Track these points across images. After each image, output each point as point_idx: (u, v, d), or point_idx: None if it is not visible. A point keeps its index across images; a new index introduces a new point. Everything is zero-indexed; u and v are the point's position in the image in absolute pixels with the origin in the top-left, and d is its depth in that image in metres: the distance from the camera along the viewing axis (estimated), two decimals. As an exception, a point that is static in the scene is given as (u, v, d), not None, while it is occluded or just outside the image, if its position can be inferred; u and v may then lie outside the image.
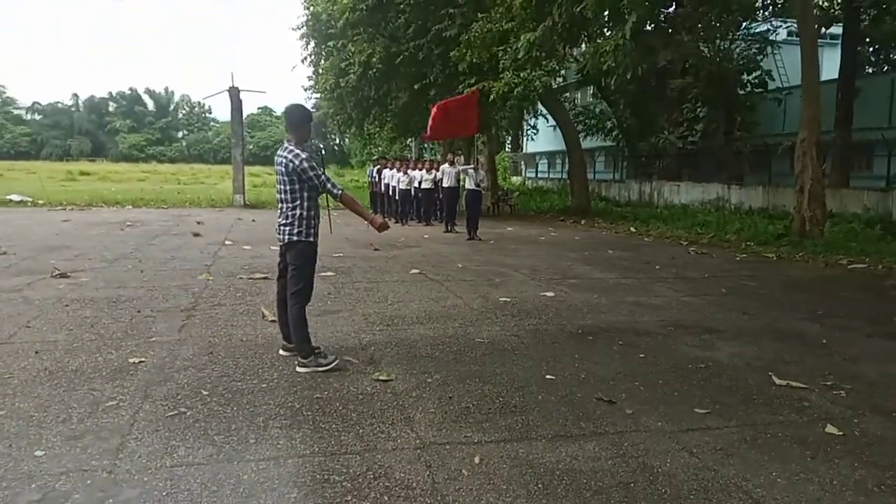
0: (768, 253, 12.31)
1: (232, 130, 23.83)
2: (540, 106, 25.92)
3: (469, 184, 14.42)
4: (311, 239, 4.78)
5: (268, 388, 4.29)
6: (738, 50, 24.56)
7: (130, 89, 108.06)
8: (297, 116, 4.84)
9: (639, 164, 29.56)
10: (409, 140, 37.07)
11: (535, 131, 34.89)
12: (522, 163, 46.08)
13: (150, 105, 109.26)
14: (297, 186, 4.67)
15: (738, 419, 3.98)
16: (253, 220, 16.97)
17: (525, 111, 26.88)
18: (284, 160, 4.65)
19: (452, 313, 6.70)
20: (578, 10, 12.48)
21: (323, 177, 4.71)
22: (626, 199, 27.57)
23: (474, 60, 16.55)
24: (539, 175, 41.99)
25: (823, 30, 22.61)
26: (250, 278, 8.39)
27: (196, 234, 13.34)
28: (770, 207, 19.90)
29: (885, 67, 24.15)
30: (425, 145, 38.66)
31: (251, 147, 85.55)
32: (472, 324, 6.26)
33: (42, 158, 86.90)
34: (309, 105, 32.84)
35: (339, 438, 3.55)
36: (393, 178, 18.23)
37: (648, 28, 16.54)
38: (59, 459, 3.20)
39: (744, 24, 23.58)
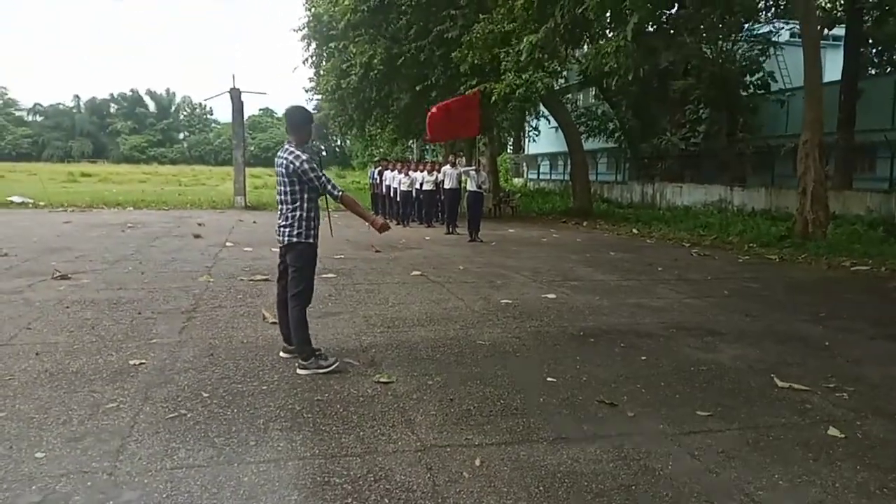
0: (771, 255, 12.29)
1: (233, 132, 23.85)
2: (542, 107, 25.91)
3: (470, 185, 14.41)
4: (311, 240, 4.77)
5: (268, 390, 4.29)
6: (740, 51, 24.56)
7: (132, 91, 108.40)
8: (297, 118, 4.83)
9: (641, 166, 29.53)
10: (411, 141, 37.07)
11: (536, 133, 34.86)
12: (524, 164, 46.05)
13: (152, 106, 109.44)
14: (297, 188, 4.67)
15: (740, 421, 3.96)
16: (254, 222, 16.98)
17: (527, 112, 26.86)
18: (285, 161, 4.65)
19: (453, 315, 6.69)
20: (580, 11, 12.48)
21: (323, 178, 4.70)
22: (628, 201, 27.54)
23: (476, 61, 16.55)
24: (541, 176, 41.95)
25: (826, 31, 22.56)
26: (251, 280, 8.38)
27: (197, 236, 13.35)
28: (773, 209, 19.88)
29: (888, 69, 24.18)
30: (427, 147, 38.67)
31: (252, 148, 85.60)
32: (474, 326, 6.25)
33: (43, 160, 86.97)
34: (310, 106, 33.02)
35: (339, 440, 3.54)
36: (394, 179, 18.24)
37: (651, 29, 16.54)
38: (59, 461, 3.20)
39: (746, 25, 23.58)
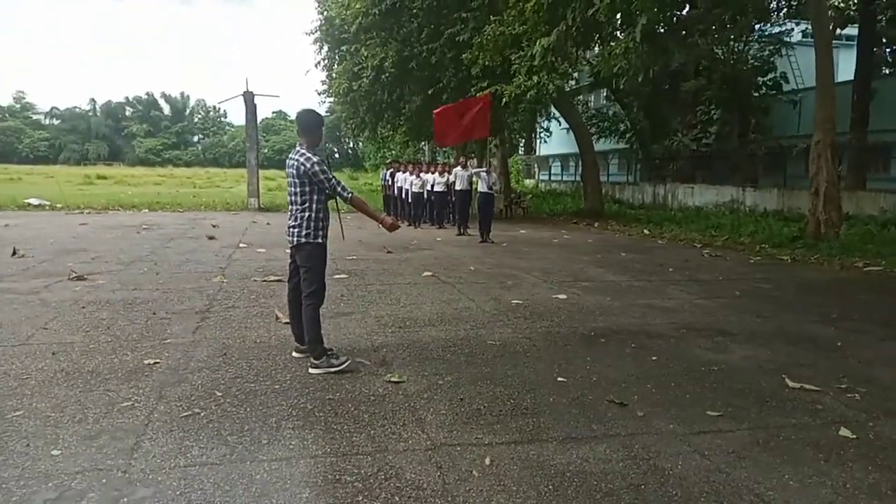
0: (783, 255, 12.22)
1: (247, 134, 23.98)
2: (553, 109, 25.88)
3: (481, 186, 14.43)
4: (320, 240, 4.83)
5: (280, 390, 4.33)
6: (752, 52, 24.43)
7: (147, 94, 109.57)
8: (308, 121, 4.89)
9: (652, 167, 29.43)
10: (423, 143, 37.13)
11: (548, 134, 34.84)
12: (535, 165, 46.02)
13: (167, 109, 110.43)
14: (307, 189, 4.73)
15: (750, 422, 3.96)
16: (267, 224, 17.06)
17: (538, 114, 26.85)
18: (296, 163, 4.71)
19: (464, 315, 6.71)
20: (591, 13, 12.48)
21: (333, 180, 4.76)
22: (639, 202, 27.46)
23: (487, 64, 16.58)
24: (552, 178, 41.92)
25: (839, 31, 22.39)
26: (264, 281, 8.44)
27: (211, 238, 13.45)
28: (785, 210, 19.76)
29: (902, 68, 23.92)
30: (438, 149, 38.70)
31: (266, 151, 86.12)
32: (484, 326, 6.27)
33: (60, 163, 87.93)
34: (323, 109, 33.14)
35: (350, 439, 3.57)
36: (406, 181, 18.28)
37: (661, 30, 16.50)
38: (75, 459, 3.25)
39: (758, 25, 23.45)
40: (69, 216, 18.45)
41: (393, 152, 38.60)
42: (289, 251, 5.07)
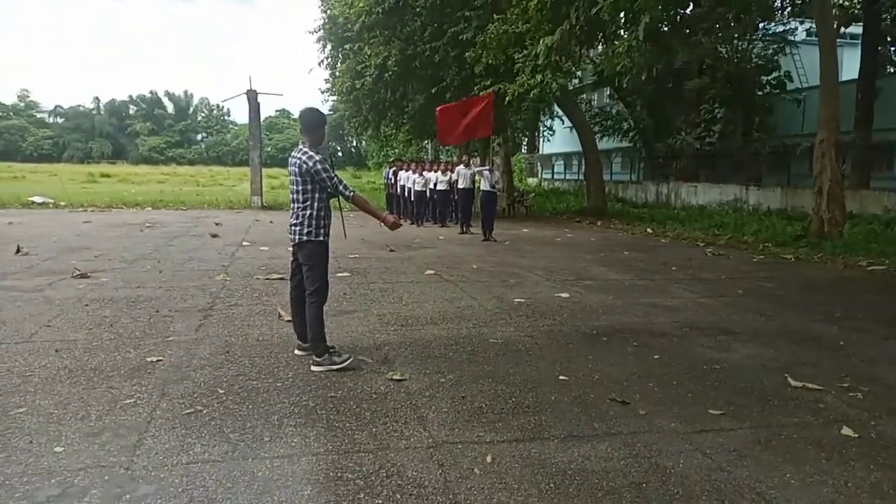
0: (786, 254, 12.20)
1: (250, 133, 24.01)
2: (556, 107, 25.84)
3: (484, 185, 14.43)
4: (321, 238, 4.84)
5: (283, 387, 4.34)
6: (755, 50, 24.36)
7: (150, 92, 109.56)
8: (311, 120, 4.90)
9: (656, 165, 29.37)
10: (426, 142, 37.11)
11: (551, 133, 34.80)
12: (538, 164, 45.96)
13: (170, 108, 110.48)
14: (309, 187, 4.74)
15: (752, 420, 3.96)
16: (270, 222, 17.08)
17: (541, 113, 26.81)
18: (298, 161, 4.72)
19: (467, 314, 6.71)
20: (595, 12, 12.46)
21: (335, 179, 4.77)
22: (642, 201, 27.41)
23: (490, 62, 16.57)
24: (555, 176, 41.85)
25: (843, 29, 22.33)
26: (267, 279, 8.46)
27: (214, 236, 13.47)
28: (788, 208, 19.71)
29: (907, 67, 23.82)
30: (441, 147, 38.70)
31: (269, 149, 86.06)
32: (487, 324, 6.27)
33: (64, 161, 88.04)
34: (326, 107, 33.13)
35: (352, 437, 3.58)
36: (408, 179, 18.30)
37: (665, 29, 16.47)
38: (77, 455, 3.26)
39: (762, 24, 23.37)
40: (73, 214, 18.49)
41: (396, 151, 38.62)
42: (291, 249, 5.08)
